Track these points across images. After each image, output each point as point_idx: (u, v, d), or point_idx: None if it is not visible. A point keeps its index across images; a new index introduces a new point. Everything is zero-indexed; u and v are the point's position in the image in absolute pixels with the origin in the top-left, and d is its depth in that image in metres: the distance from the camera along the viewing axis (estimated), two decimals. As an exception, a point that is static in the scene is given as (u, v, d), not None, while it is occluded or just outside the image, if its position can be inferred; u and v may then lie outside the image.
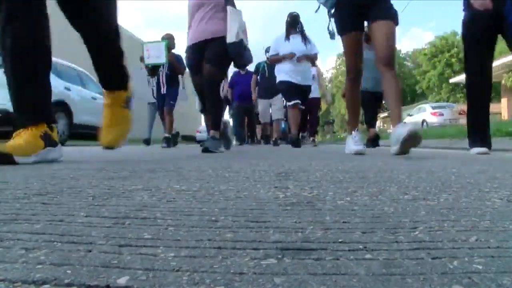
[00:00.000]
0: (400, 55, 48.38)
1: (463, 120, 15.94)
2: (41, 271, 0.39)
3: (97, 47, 2.20)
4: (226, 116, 9.11)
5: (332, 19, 3.00)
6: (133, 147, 5.87)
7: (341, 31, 2.95)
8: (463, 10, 3.07)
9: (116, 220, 0.62)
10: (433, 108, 19.62)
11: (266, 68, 7.48)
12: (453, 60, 39.19)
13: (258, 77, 7.90)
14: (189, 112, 15.59)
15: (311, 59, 6.11)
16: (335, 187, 1.00)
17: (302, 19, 5.99)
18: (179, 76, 6.67)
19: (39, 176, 1.24)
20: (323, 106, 9.46)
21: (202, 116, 6.57)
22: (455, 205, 0.74)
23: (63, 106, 7.00)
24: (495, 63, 16.77)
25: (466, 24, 3.05)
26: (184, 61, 4.92)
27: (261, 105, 8.15)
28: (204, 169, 1.53)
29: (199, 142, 13.40)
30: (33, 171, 1.43)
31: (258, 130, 10.17)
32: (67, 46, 7.03)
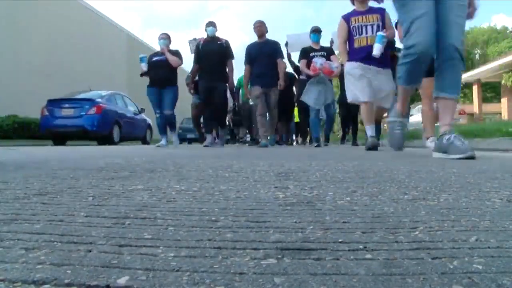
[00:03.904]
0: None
1: (463, 120, 15.92)
2: (41, 271, 0.39)
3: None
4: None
5: None
6: (132, 147, 5.86)
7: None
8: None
9: (116, 220, 0.62)
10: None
11: None
12: (453, 60, 39.07)
13: None
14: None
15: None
16: (335, 187, 1.00)
17: (301, 19, 6.11)
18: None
19: (39, 176, 1.24)
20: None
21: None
22: (455, 205, 0.74)
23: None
24: (495, 63, 16.75)
25: None
26: None
27: None
28: (204, 169, 1.53)
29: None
30: (33, 171, 1.43)
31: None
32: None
